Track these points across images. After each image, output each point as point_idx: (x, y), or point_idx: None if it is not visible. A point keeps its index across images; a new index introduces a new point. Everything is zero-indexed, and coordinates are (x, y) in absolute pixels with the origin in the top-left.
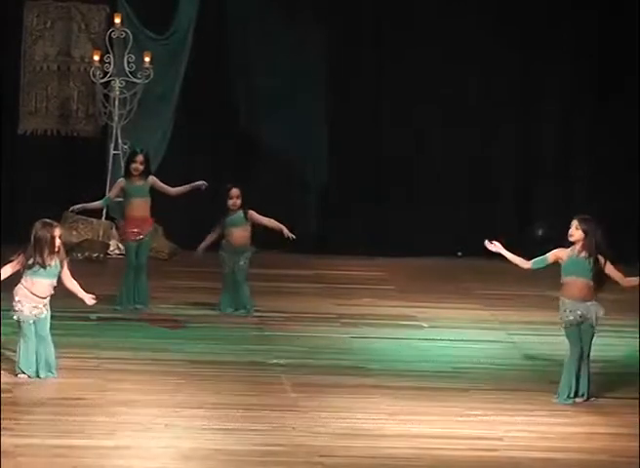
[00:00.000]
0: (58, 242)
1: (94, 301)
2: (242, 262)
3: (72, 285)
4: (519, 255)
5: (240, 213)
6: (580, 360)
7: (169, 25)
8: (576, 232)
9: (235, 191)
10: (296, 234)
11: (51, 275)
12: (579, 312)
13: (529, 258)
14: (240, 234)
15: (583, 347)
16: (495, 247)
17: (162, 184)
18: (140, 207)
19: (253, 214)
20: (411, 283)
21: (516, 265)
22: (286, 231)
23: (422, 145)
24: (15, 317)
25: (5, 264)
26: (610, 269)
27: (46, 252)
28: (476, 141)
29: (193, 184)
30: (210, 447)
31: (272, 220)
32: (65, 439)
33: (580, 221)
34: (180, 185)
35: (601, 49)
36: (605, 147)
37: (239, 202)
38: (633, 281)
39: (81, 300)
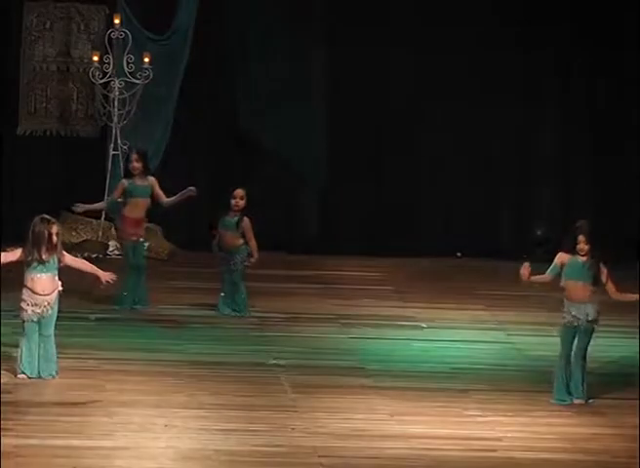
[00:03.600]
0: (55, 238)
1: (112, 277)
2: (236, 263)
3: (82, 265)
4: (518, 256)
5: (235, 218)
6: (569, 361)
7: (168, 26)
8: (585, 247)
9: (239, 192)
10: (295, 235)
11: (49, 270)
12: (578, 314)
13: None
14: (230, 237)
15: (576, 349)
16: (526, 273)
17: (159, 191)
18: (139, 207)
19: (246, 224)
20: (410, 283)
21: (543, 282)
22: (252, 259)
23: (422, 146)
24: (20, 317)
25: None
26: (605, 279)
27: (43, 248)
28: (476, 142)
29: (182, 193)
30: (209, 447)
31: (253, 243)
32: (65, 439)
33: (585, 235)
34: (180, 186)
35: (601, 49)
36: (605, 148)
37: (242, 203)
38: (623, 296)
39: (103, 277)
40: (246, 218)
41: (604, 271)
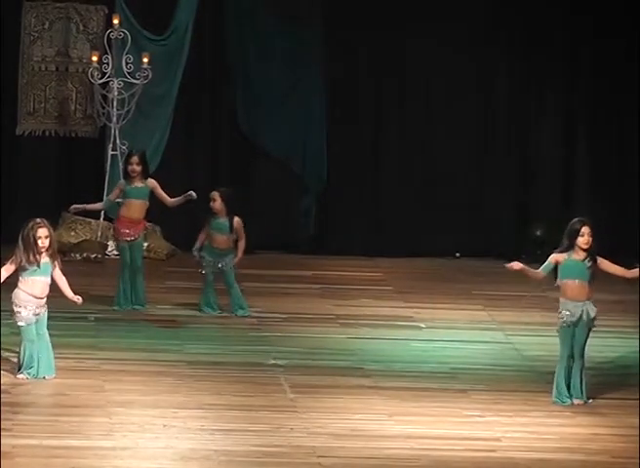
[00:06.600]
0: (44, 241)
1: (80, 300)
2: (226, 265)
3: (61, 283)
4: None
5: (225, 221)
6: (570, 360)
7: (167, 26)
8: (589, 239)
9: (213, 194)
10: (295, 235)
11: (46, 273)
12: (577, 312)
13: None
14: (222, 239)
15: (575, 348)
16: (517, 266)
17: (162, 192)
18: (137, 208)
19: (237, 224)
20: (409, 284)
21: (535, 278)
22: (235, 259)
23: (422, 146)
24: (18, 323)
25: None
26: (609, 266)
27: (30, 251)
28: (475, 142)
29: (185, 195)
30: (208, 447)
31: (243, 243)
32: (63, 439)
33: (590, 228)
34: (179, 186)
35: (600, 48)
36: (605, 147)
37: (216, 205)
38: (632, 273)
39: (70, 300)
40: (237, 218)
41: (604, 261)
